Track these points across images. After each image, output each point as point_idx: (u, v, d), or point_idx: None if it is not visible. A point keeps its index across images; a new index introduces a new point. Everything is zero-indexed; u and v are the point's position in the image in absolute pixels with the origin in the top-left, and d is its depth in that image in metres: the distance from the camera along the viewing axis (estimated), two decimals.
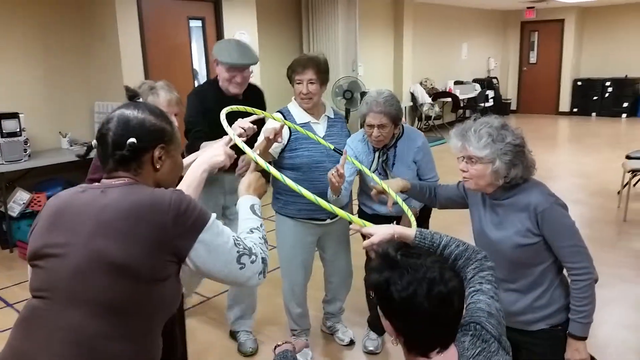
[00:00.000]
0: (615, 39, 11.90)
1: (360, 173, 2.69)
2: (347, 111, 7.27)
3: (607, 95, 11.86)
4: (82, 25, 5.37)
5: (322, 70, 2.63)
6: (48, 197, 4.84)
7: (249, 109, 2.15)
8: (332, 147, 2.40)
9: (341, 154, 2.36)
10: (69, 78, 5.32)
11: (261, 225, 1.49)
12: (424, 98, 9.85)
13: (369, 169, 2.62)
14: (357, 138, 2.74)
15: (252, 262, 1.35)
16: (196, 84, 6.02)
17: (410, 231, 1.60)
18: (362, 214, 2.90)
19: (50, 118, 5.23)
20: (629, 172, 5.18)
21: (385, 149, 2.67)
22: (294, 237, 2.74)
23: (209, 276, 1.33)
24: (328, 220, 2.74)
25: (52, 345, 1.21)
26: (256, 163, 1.67)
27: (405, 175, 2.63)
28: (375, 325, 3.06)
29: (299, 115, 2.67)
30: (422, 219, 2.76)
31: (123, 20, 5.13)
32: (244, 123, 2.10)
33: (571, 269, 1.79)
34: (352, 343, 3.09)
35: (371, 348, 3.00)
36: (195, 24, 5.93)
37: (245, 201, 1.54)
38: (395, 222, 2.90)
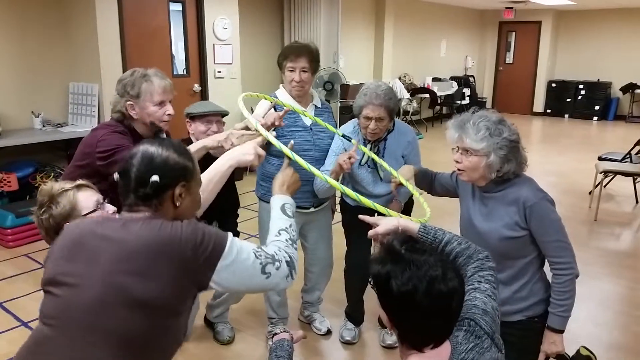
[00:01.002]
0: (589, 43, 12.15)
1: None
2: (327, 102, 7.25)
3: (579, 97, 12.12)
4: (58, 4, 5.21)
5: (314, 59, 2.61)
6: (19, 179, 4.70)
7: (260, 95, 2.22)
8: (340, 133, 2.39)
9: (350, 140, 2.38)
10: (43, 57, 5.16)
11: (290, 226, 1.51)
12: (403, 93, 9.88)
13: (359, 162, 2.61)
14: (347, 129, 2.71)
15: (277, 268, 1.38)
16: (174, 69, 5.92)
17: (414, 225, 1.60)
18: (344, 205, 2.89)
19: (22, 97, 5.07)
20: (601, 172, 5.30)
21: (377, 141, 2.66)
22: None
23: (237, 292, 1.34)
24: (312, 209, 2.73)
25: None
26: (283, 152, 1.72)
27: (393, 168, 2.63)
28: (352, 316, 3.06)
29: (287, 102, 2.63)
30: (406, 212, 2.76)
31: (101, 0, 4.99)
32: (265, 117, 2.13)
33: (555, 263, 1.83)
34: (329, 333, 3.10)
35: (348, 338, 3.00)
36: (175, 7, 5.81)
37: (277, 201, 1.57)
38: (377, 215, 2.90)
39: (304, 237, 2.93)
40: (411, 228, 1.60)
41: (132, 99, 2.13)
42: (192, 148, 2.04)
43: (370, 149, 2.65)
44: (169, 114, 2.20)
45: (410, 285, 1.14)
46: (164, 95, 2.17)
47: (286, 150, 1.71)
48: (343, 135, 2.42)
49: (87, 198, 1.66)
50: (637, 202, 5.76)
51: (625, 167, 5.45)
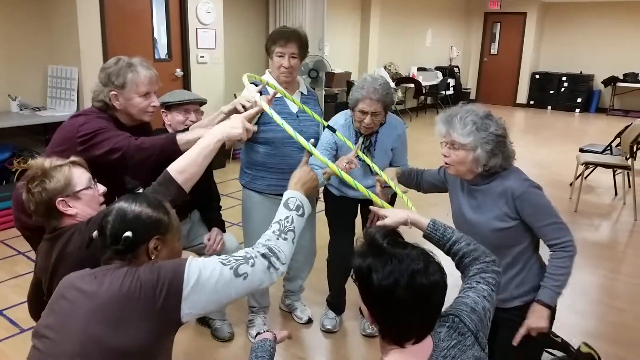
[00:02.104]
0: (573, 35, 12.24)
1: (335, 154, 2.64)
2: (313, 90, 7.20)
3: (562, 89, 12.23)
4: None
5: (303, 45, 2.57)
6: None
7: (257, 77, 2.23)
8: (325, 123, 2.36)
9: (334, 132, 2.37)
10: (21, 39, 5.02)
11: (287, 218, 1.51)
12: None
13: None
14: (338, 122, 2.67)
15: (252, 265, 1.38)
16: (155, 53, 5.82)
17: (423, 220, 1.61)
18: (328, 195, 2.87)
19: None
20: (581, 164, 5.35)
21: (369, 135, 2.62)
22: (260, 213, 2.69)
23: (222, 306, 1.39)
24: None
25: None
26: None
27: (382, 161, 2.63)
28: (334, 305, 3.06)
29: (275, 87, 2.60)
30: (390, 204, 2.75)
31: None
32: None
33: (555, 244, 1.85)
34: (310, 322, 3.09)
35: (329, 327, 3.00)
36: None
37: (286, 195, 1.59)
38: (360, 205, 2.89)
39: None
40: (421, 223, 1.60)
41: (116, 89, 2.07)
42: (189, 136, 2.02)
43: (363, 142, 2.61)
44: (154, 106, 2.16)
45: (391, 279, 1.13)
46: (149, 86, 2.12)
47: (287, 126, 1.78)
48: (328, 126, 2.38)
49: (81, 175, 1.67)
50: (616, 194, 5.83)
51: (606, 159, 5.51)
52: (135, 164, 2.02)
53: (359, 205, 2.90)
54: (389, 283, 1.13)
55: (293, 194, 1.59)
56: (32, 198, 1.60)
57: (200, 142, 1.77)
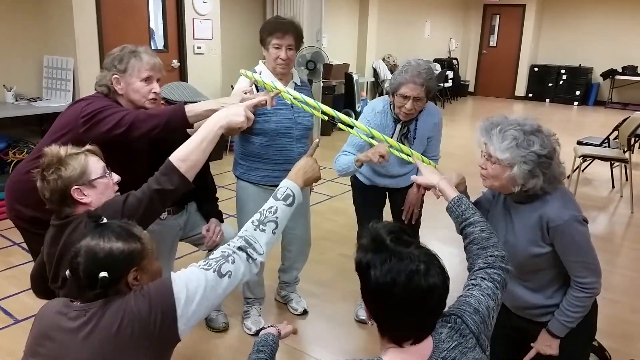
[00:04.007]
0: (572, 28, 12.19)
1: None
2: (310, 82, 7.16)
3: (561, 82, 12.19)
4: None
5: (299, 36, 2.55)
6: None
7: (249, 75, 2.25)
8: (326, 118, 2.26)
9: (335, 125, 2.33)
10: (16, 29, 4.97)
11: (271, 208, 1.51)
12: (386, 74, 9.83)
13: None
14: (375, 109, 2.59)
15: (233, 262, 1.39)
16: (152, 44, 5.78)
17: (451, 192, 1.58)
18: (356, 184, 2.86)
19: None
20: (579, 157, 5.35)
21: (408, 121, 2.55)
22: (255, 204, 2.65)
23: (214, 308, 1.43)
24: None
25: None
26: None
27: (418, 150, 2.53)
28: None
29: (268, 79, 2.57)
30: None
31: None
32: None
33: (576, 281, 1.74)
34: (305, 313, 3.09)
35: (362, 317, 2.99)
36: None
37: (282, 183, 1.59)
38: (388, 193, 2.86)
39: None
40: (447, 195, 1.58)
41: (118, 72, 2.11)
42: (198, 109, 2.02)
43: (400, 129, 2.56)
44: (155, 92, 2.18)
45: (388, 278, 1.09)
46: (151, 71, 2.14)
47: (310, 100, 1.87)
48: (329, 121, 2.31)
49: (96, 163, 1.67)
50: (613, 186, 5.83)
51: (603, 151, 5.50)
52: (140, 136, 2.01)
53: (387, 193, 2.86)
54: (385, 281, 1.09)
55: (285, 184, 1.59)
56: (47, 185, 1.60)
57: (202, 128, 1.77)
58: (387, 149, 2.23)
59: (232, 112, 1.83)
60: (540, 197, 1.71)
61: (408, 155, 2.15)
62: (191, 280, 1.34)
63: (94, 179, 1.65)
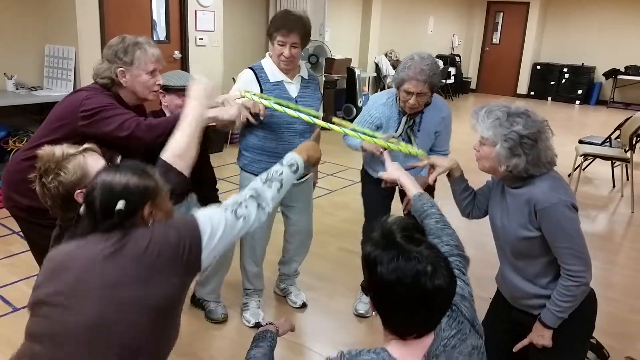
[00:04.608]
0: (575, 26, 12.15)
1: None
2: (314, 74, 7.15)
3: (563, 81, 12.16)
4: None
5: (306, 34, 2.52)
6: None
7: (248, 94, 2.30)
8: (310, 119, 2.11)
9: (329, 127, 2.15)
10: (18, 17, 4.95)
11: (277, 171, 1.62)
12: (388, 70, 9.80)
13: (396, 131, 2.55)
14: (379, 101, 2.61)
15: (246, 207, 1.49)
16: (154, 35, 5.75)
17: (412, 188, 1.70)
18: (365, 177, 2.86)
19: None
20: (580, 156, 5.34)
21: (414, 114, 2.55)
22: None
23: (229, 247, 1.50)
24: None
25: None
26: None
27: (425, 144, 2.55)
28: (368, 289, 3.05)
29: (273, 73, 2.57)
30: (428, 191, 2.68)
31: None
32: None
33: (563, 268, 1.76)
34: (304, 306, 3.09)
35: (361, 311, 3.00)
36: None
37: (287, 155, 1.70)
38: (398, 188, 2.82)
39: (286, 208, 2.90)
40: (409, 190, 1.71)
41: (124, 65, 2.09)
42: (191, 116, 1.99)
43: (406, 122, 2.56)
44: (159, 84, 2.19)
45: (393, 276, 1.10)
46: (156, 64, 2.15)
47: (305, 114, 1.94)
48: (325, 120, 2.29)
49: (96, 162, 1.59)
50: (614, 186, 5.83)
51: (605, 151, 5.49)
52: (141, 145, 2.02)
53: (397, 188, 2.84)
54: (390, 279, 1.10)
55: (291, 154, 1.69)
56: (48, 193, 1.53)
57: (192, 122, 1.75)
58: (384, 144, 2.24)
59: (226, 109, 1.93)
60: (531, 181, 1.76)
61: (408, 152, 2.16)
62: (213, 218, 1.44)
63: None
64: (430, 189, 2.66)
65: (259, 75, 2.56)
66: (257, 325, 2.85)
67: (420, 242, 1.15)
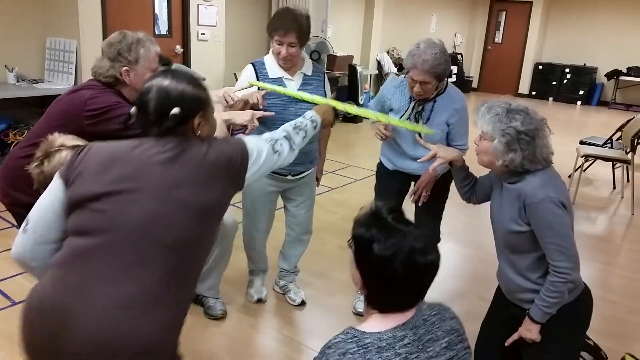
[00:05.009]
0: (578, 27, 12.13)
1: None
2: (320, 68, 7.13)
3: (565, 81, 12.15)
4: None
5: (304, 31, 2.51)
6: None
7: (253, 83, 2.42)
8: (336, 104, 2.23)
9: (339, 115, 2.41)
10: (19, 9, 4.94)
11: (301, 122, 1.80)
12: (390, 67, 9.78)
13: (401, 117, 2.56)
14: (393, 83, 2.66)
15: (281, 145, 1.66)
16: (156, 29, 5.74)
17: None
18: (380, 170, 2.87)
19: None
20: (581, 157, 5.33)
21: (424, 101, 2.55)
22: (256, 188, 2.72)
23: (263, 175, 1.63)
24: (289, 177, 2.72)
25: (116, 283, 1.29)
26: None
27: (438, 135, 2.53)
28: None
29: (273, 69, 2.58)
30: (442, 188, 2.69)
31: None
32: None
33: (551, 265, 1.80)
34: (303, 304, 3.08)
35: (360, 309, 2.99)
36: None
37: (308, 112, 1.88)
38: (413, 182, 2.78)
39: (288, 201, 2.93)
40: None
41: (129, 64, 2.09)
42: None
43: (414, 107, 2.56)
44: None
45: (390, 251, 1.17)
46: (156, 62, 2.16)
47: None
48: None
49: None
50: (614, 187, 5.82)
51: (606, 152, 5.49)
52: None
53: (412, 183, 2.79)
54: (387, 255, 1.17)
55: (312, 112, 1.87)
56: (35, 179, 1.60)
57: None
58: (387, 121, 2.43)
59: (239, 114, 2.07)
60: (524, 177, 1.82)
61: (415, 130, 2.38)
62: (258, 145, 1.59)
63: None
64: (443, 186, 2.70)
65: (259, 71, 2.57)
66: (260, 301, 3.00)
67: (408, 223, 1.25)
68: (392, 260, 1.17)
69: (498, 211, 1.94)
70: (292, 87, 2.58)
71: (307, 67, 2.66)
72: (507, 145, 1.76)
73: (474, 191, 2.18)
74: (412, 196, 2.64)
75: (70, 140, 1.64)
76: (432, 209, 2.73)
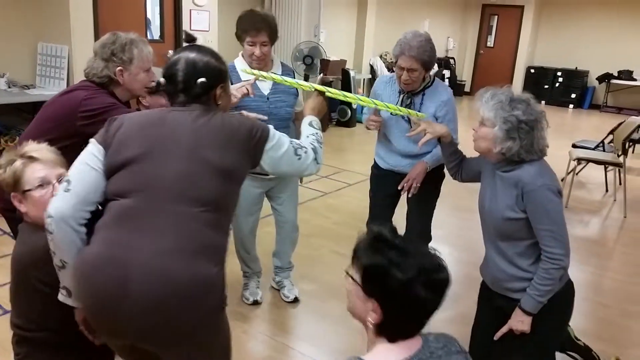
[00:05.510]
0: (570, 31, 12.21)
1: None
2: (307, 77, 7.13)
3: (557, 85, 12.22)
4: None
5: (274, 30, 2.61)
6: None
7: (256, 73, 2.40)
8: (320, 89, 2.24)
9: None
10: (10, 15, 4.91)
11: (317, 133, 1.82)
12: (383, 71, 9.80)
13: (391, 112, 2.59)
14: (383, 79, 2.79)
15: (305, 152, 1.71)
16: (148, 34, 5.72)
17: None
18: (375, 169, 2.91)
19: None
20: (574, 160, 5.36)
21: (412, 94, 2.63)
22: (247, 192, 2.73)
23: (277, 170, 1.68)
24: (271, 175, 2.73)
25: (161, 234, 1.41)
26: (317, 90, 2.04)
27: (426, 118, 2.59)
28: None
29: (244, 72, 2.60)
30: (435, 182, 2.77)
31: None
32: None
33: (544, 251, 1.84)
34: (296, 300, 3.13)
35: None
36: None
37: (307, 119, 1.89)
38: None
39: (273, 200, 3.00)
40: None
41: (123, 64, 2.09)
42: None
43: (403, 100, 2.63)
44: (153, 81, 2.17)
45: (412, 273, 1.13)
46: (150, 62, 2.17)
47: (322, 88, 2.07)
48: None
49: (34, 173, 1.61)
50: (607, 190, 5.85)
51: (598, 155, 5.51)
52: None
53: (404, 189, 2.81)
54: (410, 277, 1.13)
55: (313, 118, 1.88)
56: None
57: None
58: (383, 106, 2.47)
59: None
60: (520, 166, 1.86)
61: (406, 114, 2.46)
62: (281, 137, 1.66)
63: (26, 190, 1.60)
64: (433, 185, 2.78)
65: (232, 73, 2.59)
66: (255, 302, 3.04)
67: (412, 241, 1.22)
68: (414, 282, 1.13)
69: (490, 199, 1.97)
70: (264, 87, 2.67)
71: (277, 68, 2.73)
72: (507, 133, 1.80)
73: (461, 168, 2.24)
74: (404, 189, 2.69)
75: (35, 151, 1.64)
76: (423, 208, 2.83)
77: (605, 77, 11.55)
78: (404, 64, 2.49)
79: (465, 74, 13.37)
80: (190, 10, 5.91)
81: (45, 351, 1.62)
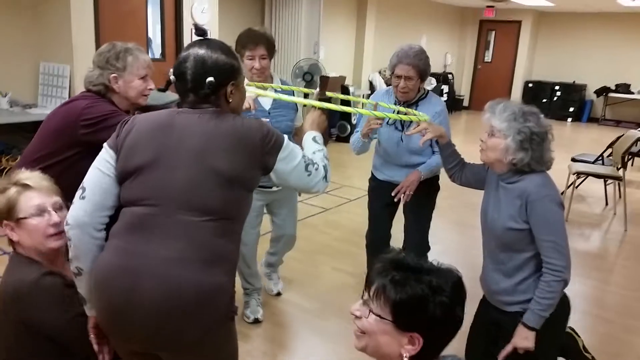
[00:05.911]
0: (567, 45, 12.31)
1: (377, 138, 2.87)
2: (305, 95, 7.17)
3: (555, 99, 12.28)
4: None
5: (271, 46, 2.70)
6: None
7: (258, 84, 2.47)
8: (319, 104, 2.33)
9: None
10: (12, 35, 4.96)
11: (321, 150, 1.77)
12: (382, 87, 9.87)
13: (387, 122, 2.75)
14: (381, 92, 2.92)
15: (316, 169, 1.66)
16: (150, 53, 5.77)
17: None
18: (374, 180, 2.99)
19: None
20: (573, 174, 5.37)
21: (407, 104, 2.75)
22: None
23: (284, 183, 1.63)
24: (274, 188, 2.83)
25: (170, 243, 1.42)
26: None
27: (418, 138, 2.60)
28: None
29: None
30: (433, 191, 2.88)
31: None
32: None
33: (545, 262, 1.86)
34: (278, 295, 3.35)
35: None
36: None
37: (309, 135, 1.82)
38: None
39: (272, 213, 3.07)
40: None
41: (117, 71, 2.11)
42: None
43: (399, 112, 2.70)
44: (150, 88, 2.22)
45: (454, 295, 1.12)
46: (147, 69, 2.18)
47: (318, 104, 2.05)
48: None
49: (30, 200, 1.58)
50: (607, 204, 5.86)
51: (597, 169, 5.52)
52: None
53: (401, 199, 2.89)
54: (453, 298, 1.11)
55: (316, 134, 1.83)
56: None
57: None
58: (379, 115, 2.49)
59: None
60: (525, 177, 1.89)
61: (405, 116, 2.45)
62: (295, 149, 1.61)
63: (21, 218, 1.57)
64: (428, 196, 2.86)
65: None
66: (256, 321, 3.04)
67: (427, 262, 1.19)
68: (456, 302, 1.11)
69: (493, 209, 1.98)
70: (265, 103, 2.72)
71: (277, 82, 2.81)
72: (520, 144, 1.83)
73: (462, 172, 2.27)
74: (397, 196, 2.74)
75: (29, 179, 1.62)
76: (420, 220, 2.93)
77: (602, 91, 11.63)
78: (400, 71, 2.62)
79: (463, 89, 13.45)
80: (192, 29, 5.98)
81: None
